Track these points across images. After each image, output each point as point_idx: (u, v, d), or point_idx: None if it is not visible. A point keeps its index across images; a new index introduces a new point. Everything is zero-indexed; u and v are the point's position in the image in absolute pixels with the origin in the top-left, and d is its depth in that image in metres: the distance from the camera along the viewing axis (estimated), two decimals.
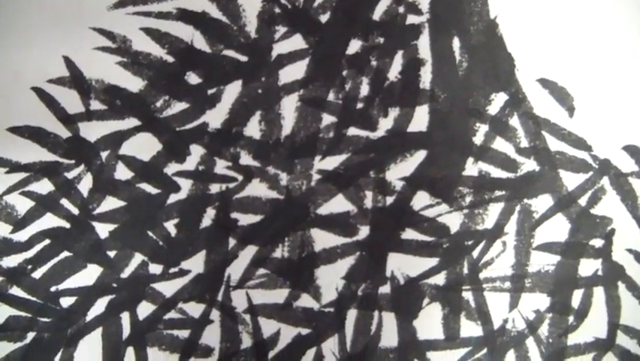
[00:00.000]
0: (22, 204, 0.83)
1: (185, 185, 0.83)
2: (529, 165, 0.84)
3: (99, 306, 0.82)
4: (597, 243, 0.84)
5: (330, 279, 0.82)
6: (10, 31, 0.83)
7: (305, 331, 0.82)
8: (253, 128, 0.83)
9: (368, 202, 0.83)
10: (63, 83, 0.84)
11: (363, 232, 0.83)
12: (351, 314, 0.82)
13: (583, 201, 0.84)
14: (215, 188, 0.83)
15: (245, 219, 0.83)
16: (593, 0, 0.84)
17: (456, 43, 0.84)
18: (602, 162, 0.84)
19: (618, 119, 0.84)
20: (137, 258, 0.83)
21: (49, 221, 0.83)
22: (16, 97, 0.83)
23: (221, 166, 0.83)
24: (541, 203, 0.84)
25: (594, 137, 0.84)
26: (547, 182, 0.84)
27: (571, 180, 0.84)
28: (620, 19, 0.84)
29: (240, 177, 0.83)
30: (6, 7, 0.84)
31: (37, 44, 0.83)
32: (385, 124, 0.83)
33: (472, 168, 0.83)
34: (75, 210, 0.83)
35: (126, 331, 0.82)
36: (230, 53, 0.83)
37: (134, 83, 0.83)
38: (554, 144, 0.84)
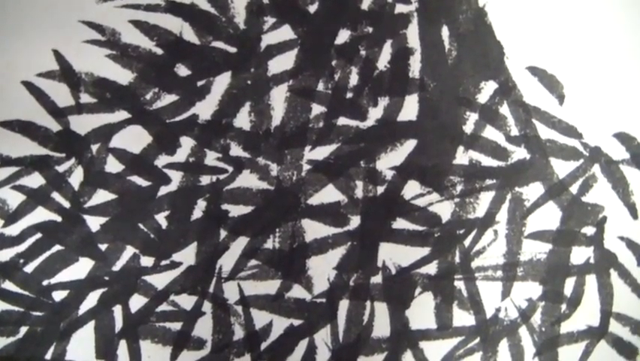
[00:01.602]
0: (13, 198, 0.83)
1: (176, 177, 0.83)
2: (519, 153, 0.84)
3: (91, 299, 0.82)
4: (589, 231, 0.84)
5: (322, 269, 0.82)
6: (1, 27, 0.83)
7: (297, 322, 0.82)
8: (243, 120, 0.83)
9: (359, 192, 0.83)
10: (53, 77, 0.84)
11: (354, 221, 0.83)
12: (343, 305, 0.82)
13: (574, 189, 0.84)
14: (205, 180, 0.83)
15: (236, 210, 0.83)
16: None
17: (445, 31, 0.84)
18: (593, 149, 0.84)
19: (609, 106, 0.84)
20: (129, 251, 0.83)
21: (41, 215, 0.83)
22: (6, 91, 0.83)
23: (211, 158, 0.83)
24: (533, 191, 0.84)
25: (585, 124, 0.84)
26: (538, 170, 0.84)
27: (562, 167, 0.84)
28: (609, 6, 0.84)
29: (231, 169, 0.83)
30: None
31: (27, 38, 0.83)
32: (375, 113, 0.83)
33: (462, 156, 0.83)
34: (66, 204, 0.83)
35: (119, 324, 0.82)
36: (219, 44, 0.83)
37: (123, 76, 0.83)
38: (545, 132, 0.84)
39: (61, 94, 0.83)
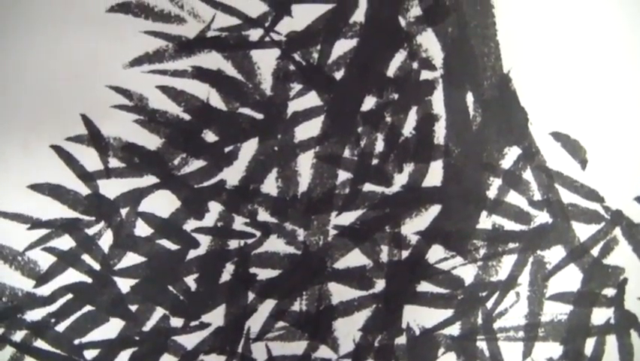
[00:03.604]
0: (44, 260, 0.85)
1: (205, 241, 0.85)
2: (542, 217, 0.85)
3: (122, 358, 0.84)
4: (609, 292, 0.86)
5: (348, 330, 0.85)
6: (29, 91, 0.85)
7: None
8: (270, 185, 0.84)
9: (384, 256, 0.85)
10: (81, 141, 0.85)
11: (380, 284, 0.85)
12: None
13: (595, 251, 0.85)
14: (233, 243, 0.85)
15: (263, 273, 0.85)
16: (603, 56, 0.85)
17: (469, 97, 0.85)
18: (614, 212, 0.85)
19: (630, 170, 0.85)
20: (159, 311, 0.85)
21: (72, 276, 0.85)
22: (36, 154, 0.85)
23: (239, 222, 0.85)
24: (554, 254, 0.85)
25: (606, 188, 0.85)
26: (560, 233, 0.85)
27: (583, 231, 0.85)
28: (629, 74, 0.85)
29: (258, 233, 0.85)
30: (26, 65, 0.85)
31: (55, 102, 0.84)
32: (400, 179, 0.84)
33: (485, 221, 0.85)
34: (96, 266, 0.85)
35: None
36: (246, 110, 0.84)
37: (151, 141, 0.85)
38: (567, 196, 0.85)
39: (90, 158, 0.85)
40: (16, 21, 0.83)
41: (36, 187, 0.84)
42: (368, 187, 0.83)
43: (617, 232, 0.84)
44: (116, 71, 0.84)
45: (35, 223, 0.84)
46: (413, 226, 0.83)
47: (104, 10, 0.83)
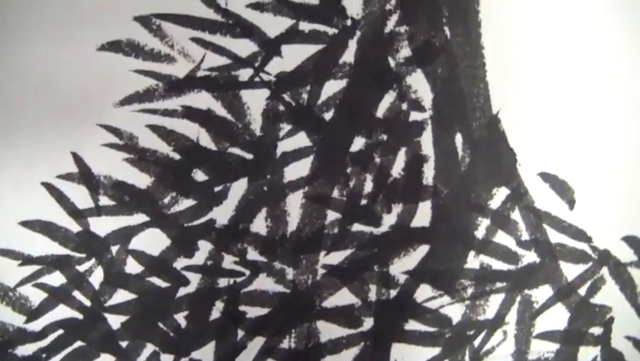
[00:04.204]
0: (35, 296, 0.85)
1: (194, 279, 0.86)
2: (529, 256, 0.86)
3: None
4: (596, 331, 0.86)
5: None
6: (20, 127, 0.85)
7: None
8: (260, 225, 0.85)
9: (372, 295, 0.85)
10: (72, 179, 0.85)
11: (368, 323, 0.85)
12: None
13: (582, 290, 0.86)
14: (223, 282, 0.86)
15: (253, 311, 0.85)
16: (591, 97, 0.85)
17: (459, 138, 0.85)
18: (602, 252, 0.86)
19: (618, 210, 0.86)
20: (149, 348, 0.85)
21: (63, 312, 0.85)
22: (27, 191, 0.85)
23: (229, 261, 0.85)
24: (542, 293, 0.86)
25: (594, 228, 0.86)
26: (548, 273, 0.86)
27: (571, 270, 0.86)
28: (616, 115, 0.86)
29: (248, 272, 0.85)
30: (16, 104, 0.85)
31: (46, 139, 0.85)
32: (389, 220, 0.85)
33: (473, 260, 0.85)
34: (87, 302, 0.85)
35: None
36: (235, 150, 0.85)
37: (141, 180, 0.85)
38: (555, 236, 0.86)
39: (80, 196, 0.85)
40: (7, 58, 0.83)
41: (27, 224, 0.85)
42: (357, 227, 0.84)
43: (605, 271, 0.85)
44: (107, 110, 0.84)
45: (26, 260, 0.85)
46: (401, 266, 0.84)
47: (95, 48, 0.83)
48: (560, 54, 0.84)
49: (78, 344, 0.85)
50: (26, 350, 0.84)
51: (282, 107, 0.83)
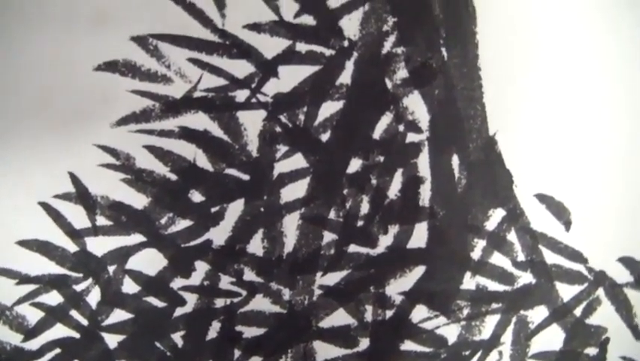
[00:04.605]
0: (32, 315, 0.85)
1: (191, 299, 0.86)
2: (525, 277, 0.86)
3: None
4: (592, 351, 0.87)
5: None
6: (17, 147, 0.85)
7: None
8: (256, 246, 0.85)
9: (368, 315, 0.86)
10: (69, 199, 0.86)
11: (364, 343, 0.86)
12: None
13: (578, 311, 0.87)
14: (220, 302, 0.86)
15: (249, 331, 0.86)
16: (586, 119, 0.86)
17: (455, 160, 0.86)
18: (598, 273, 0.86)
19: (614, 231, 0.86)
20: None
21: (60, 331, 0.86)
22: (24, 211, 0.86)
23: (225, 281, 0.86)
24: (537, 314, 0.86)
25: (590, 249, 0.86)
26: (544, 294, 0.86)
27: (567, 291, 0.86)
28: (611, 135, 0.86)
29: (244, 293, 0.86)
30: (13, 124, 0.85)
31: (43, 159, 0.85)
32: (385, 241, 0.85)
33: (469, 281, 0.86)
34: (84, 321, 0.86)
35: None
36: (232, 171, 0.85)
37: (138, 200, 0.85)
38: (551, 257, 0.86)
39: (78, 215, 0.86)
40: (3, 78, 0.84)
41: (25, 243, 0.85)
42: (353, 248, 0.84)
43: (600, 292, 0.85)
44: (104, 130, 0.84)
45: (24, 279, 0.85)
46: (397, 286, 0.84)
47: (92, 68, 0.83)
48: (556, 76, 0.84)
49: None
50: None
51: (278, 129, 0.84)
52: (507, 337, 0.85)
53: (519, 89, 0.84)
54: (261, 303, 0.84)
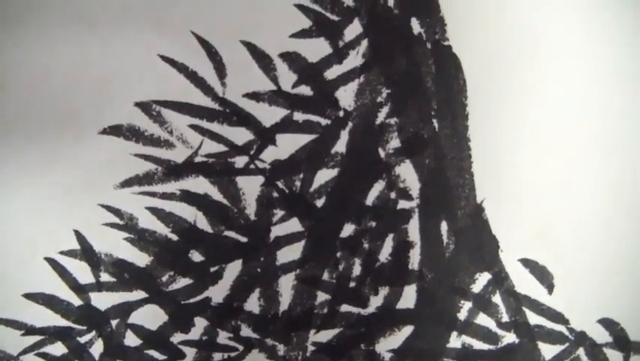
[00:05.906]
0: None
1: (190, 352, 0.91)
2: (509, 337, 0.91)
3: None
4: None
5: None
6: (25, 206, 0.89)
7: None
8: (253, 304, 0.90)
9: None
10: (74, 255, 0.90)
11: None
12: None
13: None
14: (217, 356, 0.91)
15: None
16: (568, 189, 0.90)
17: (444, 226, 0.90)
18: (578, 334, 0.91)
19: (594, 294, 0.91)
20: None
21: None
22: (31, 266, 0.90)
23: (223, 337, 0.90)
24: None
25: (571, 311, 0.91)
26: (526, 353, 0.91)
27: (548, 350, 0.91)
28: (593, 207, 0.90)
29: (241, 348, 0.90)
30: (20, 183, 0.89)
31: (48, 218, 0.89)
32: (376, 301, 0.90)
33: (456, 340, 0.91)
34: None
35: None
36: (231, 233, 0.89)
37: (140, 258, 0.90)
38: (534, 318, 0.91)
39: (82, 271, 0.90)
40: (9, 141, 0.87)
41: (31, 296, 0.89)
42: (345, 308, 0.89)
43: (581, 351, 0.90)
44: (108, 191, 0.88)
45: (29, 330, 0.89)
46: (387, 344, 0.89)
47: (97, 132, 0.87)
48: (540, 152, 0.88)
49: None
50: None
51: (275, 194, 0.87)
52: None
53: (507, 158, 0.88)
54: (257, 358, 0.89)
